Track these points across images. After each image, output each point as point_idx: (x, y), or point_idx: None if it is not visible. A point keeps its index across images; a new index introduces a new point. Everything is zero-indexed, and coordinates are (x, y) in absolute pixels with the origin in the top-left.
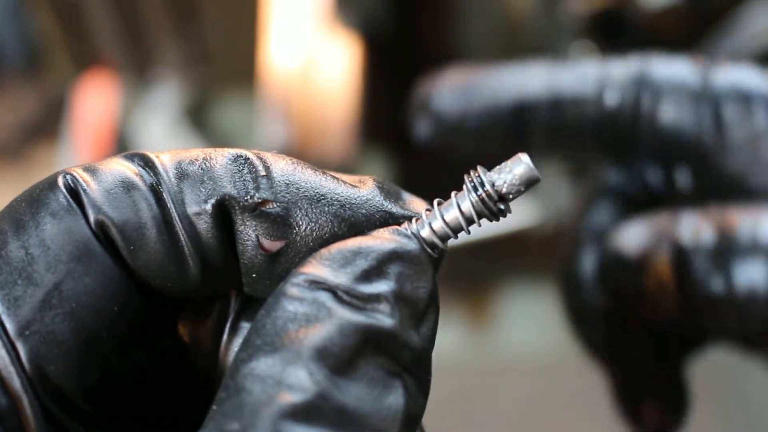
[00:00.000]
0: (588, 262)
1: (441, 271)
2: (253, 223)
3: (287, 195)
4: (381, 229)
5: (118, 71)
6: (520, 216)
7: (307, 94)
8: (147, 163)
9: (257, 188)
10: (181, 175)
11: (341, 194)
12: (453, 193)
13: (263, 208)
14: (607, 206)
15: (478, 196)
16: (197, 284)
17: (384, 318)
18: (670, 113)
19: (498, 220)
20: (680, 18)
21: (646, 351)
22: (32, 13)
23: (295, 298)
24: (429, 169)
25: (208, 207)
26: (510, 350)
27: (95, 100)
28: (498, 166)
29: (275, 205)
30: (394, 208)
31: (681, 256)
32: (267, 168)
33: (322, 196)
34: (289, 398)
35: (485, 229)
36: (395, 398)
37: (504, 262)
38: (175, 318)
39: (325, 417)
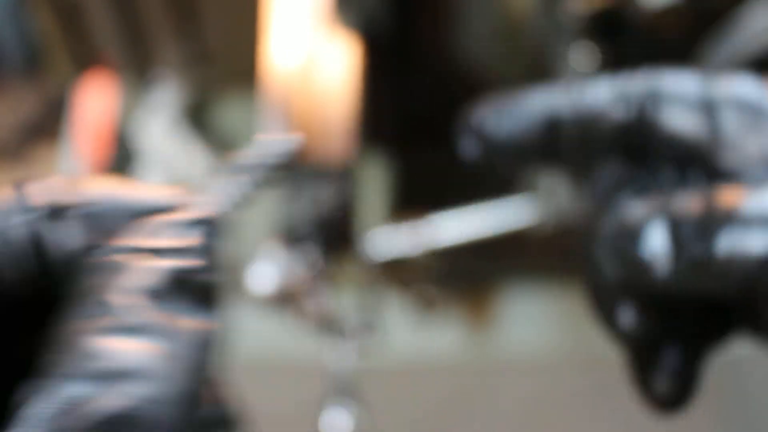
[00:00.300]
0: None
1: (441, 271)
2: (57, 226)
3: (87, 199)
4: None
5: (118, 71)
6: (520, 216)
7: (307, 94)
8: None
9: (60, 194)
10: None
11: (138, 198)
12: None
13: (65, 213)
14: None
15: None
16: (13, 290)
17: (188, 261)
18: (674, 121)
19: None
20: (680, 18)
21: (655, 324)
22: (32, 13)
23: (95, 264)
24: (429, 169)
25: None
26: (510, 350)
27: (95, 100)
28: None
29: (76, 209)
30: (186, 199)
31: (672, 224)
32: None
33: (119, 199)
34: (100, 323)
35: (485, 229)
36: (197, 321)
37: (504, 262)
38: (11, 326)
39: (136, 332)
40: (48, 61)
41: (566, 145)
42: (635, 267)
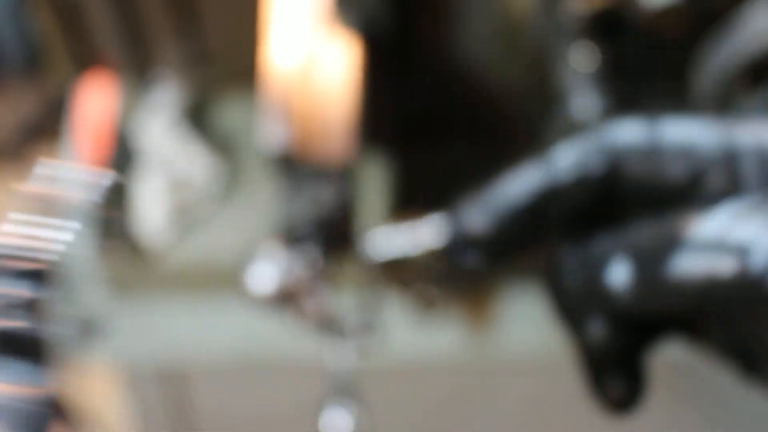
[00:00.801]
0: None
1: (441, 271)
2: None
3: None
4: None
5: (118, 71)
6: None
7: (307, 94)
8: None
9: None
10: None
11: None
12: None
13: None
14: None
15: None
16: None
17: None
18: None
19: None
20: (680, 18)
21: (620, 334)
22: (32, 13)
23: None
24: (429, 169)
25: None
26: (510, 350)
27: (95, 100)
28: None
29: None
30: None
31: (633, 252)
32: None
33: None
34: None
35: None
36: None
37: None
38: None
39: None
40: (48, 61)
41: (558, 218)
42: (600, 292)
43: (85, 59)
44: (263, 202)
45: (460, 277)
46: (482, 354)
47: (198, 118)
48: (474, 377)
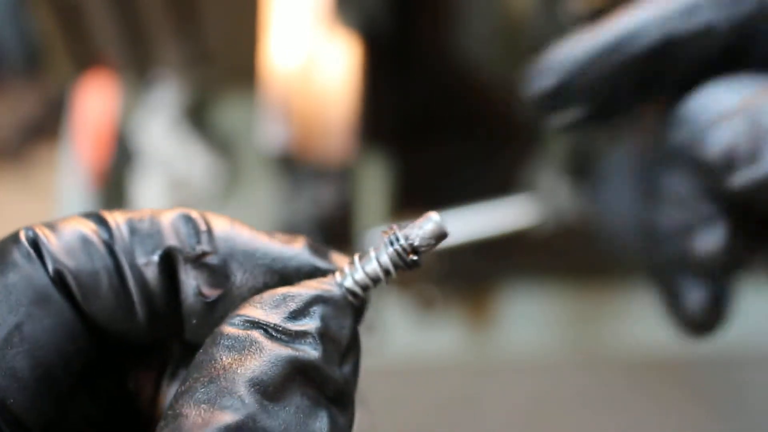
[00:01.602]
0: None
1: (441, 271)
2: (195, 272)
3: (225, 248)
4: (308, 280)
5: (118, 71)
6: (520, 216)
7: (307, 94)
8: (101, 221)
9: (199, 241)
10: (132, 230)
11: (274, 249)
12: (371, 248)
13: (203, 260)
14: None
15: (394, 249)
16: (144, 330)
17: (310, 350)
18: None
19: (412, 269)
20: None
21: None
22: (32, 13)
23: (230, 336)
24: (429, 169)
25: (155, 258)
26: (510, 350)
27: (95, 100)
28: (411, 224)
29: (214, 257)
30: (321, 263)
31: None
32: (208, 224)
33: (256, 249)
34: (223, 418)
35: (485, 229)
36: (320, 425)
37: (504, 262)
38: (121, 365)
39: None
40: (48, 61)
41: (679, 70)
42: (712, 166)
43: (85, 59)
44: (263, 201)
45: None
46: (482, 354)
47: (198, 118)
48: (474, 377)
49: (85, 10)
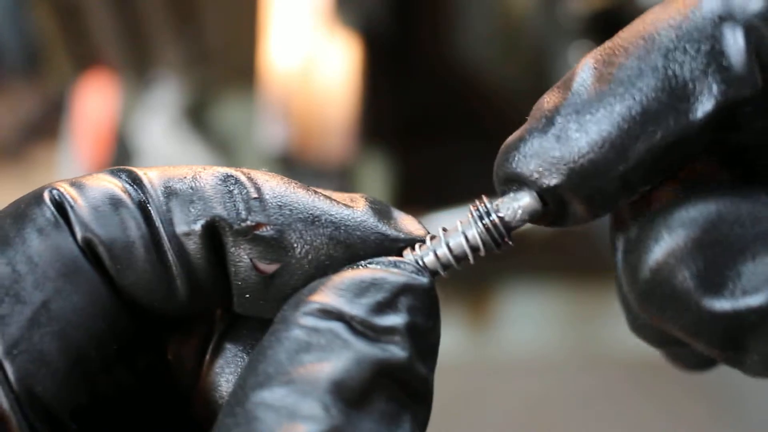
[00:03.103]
0: None
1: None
2: (247, 246)
3: (281, 217)
4: (387, 258)
5: (118, 71)
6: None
7: (307, 94)
8: (134, 180)
9: (249, 211)
10: (170, 193)
11: (335, 215)
12: (458, 221)
13: (257, 232)
14: None
15: (484, 225)
16: (185, 304)
17: (398, 351)
18: None
19: (501, 249)
20: None
21: None
22: (32, 13)
23: (308, 328)
24: (429, 169)
25: (198, 228)
26: (510, 350)
27: (95, 100)
28: (503, 197)
29: (269, 229)
30: (388, 230)
31: None
32: (258, 189)
33: (316, 218)
34: (303, 429)
35: None
36: (404, 430)
37: (504, 262)
38: (159, 335)
39: None
40: (48, 61)
41: None
42: None
43: (85, 59)
44: None
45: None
46: (482, 354)
47: (198, 118)
48: (474, 377)
49: (85, 10)
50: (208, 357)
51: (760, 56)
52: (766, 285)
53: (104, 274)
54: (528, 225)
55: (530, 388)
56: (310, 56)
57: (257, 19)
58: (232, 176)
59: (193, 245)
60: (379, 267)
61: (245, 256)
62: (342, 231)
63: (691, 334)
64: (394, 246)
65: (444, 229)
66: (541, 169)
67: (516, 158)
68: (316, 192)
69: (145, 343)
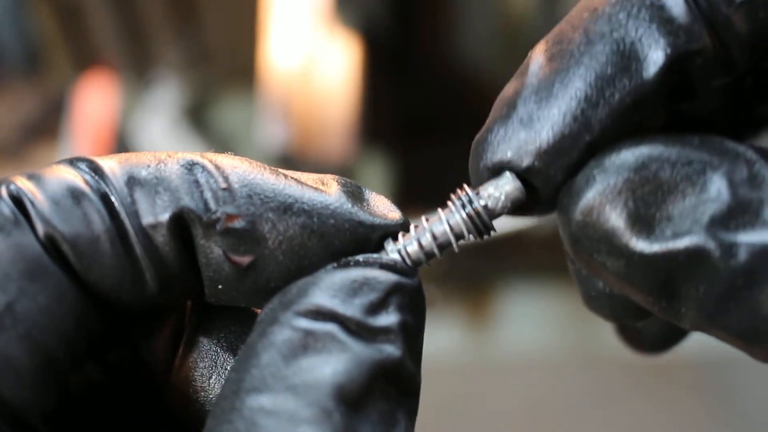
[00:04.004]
0: None
1: (441, 270)
2: (218, 238)
3: (251, 208)
4: (372, 255)
5: (118, 71)
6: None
7: (307, 94)
8: (95, 170)
9: (218, 202)
10: (133, 183)
11: (307, 203)
12: (439, 210)
13: (228, 224)
14: None
15: (467, 213)
16: (155, 297)
17: (393, 351)
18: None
19: (483, 237)
20: None
21: None
22: (32, 13)
23: (302, 330)
24: (429, 169)
25: (165, 219)
26: (510, 350)
27: (95, 100)
28: (485, 184)
29: (240, 221)
30: (363, 216)
31: None
32: (226, 178)
33: (288, 206)
34: None
35: None
36: (399, 427)
37: (504, 262)
38: (130, 330)
39: None
40: (48, 61)
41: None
42: None
43: (85, 59)
44: None
45: (460, 277)
46: (482, 354)
47: (198, 118)
48: (474, 377)
49: (85, 10)
50: (180, 351)
51: (704, 13)
52: (696, 226)
53: (69, 272)
54: (529, 226)
55: (530, 388)
56: (310, 56)
57: (257, 19)
58: (198, 163)
59: (160, 237)
60: (368, 265)
61: (216, 249)
62: (315, 220)
63: (623, 278)
64: (369, 233)
65: (426, 219)
66: (510, 153)
67: (486, 149)
68: (286, 176)
69: (115, 339)
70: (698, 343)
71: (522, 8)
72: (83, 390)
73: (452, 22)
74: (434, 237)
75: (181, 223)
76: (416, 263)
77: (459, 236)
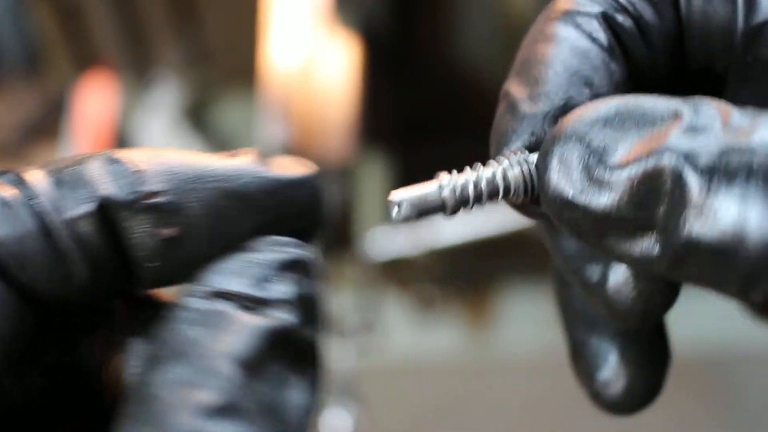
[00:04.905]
0: None
1: (441, 270)
2: (141, 217)
3: (167, 184)
4: (273, 237)
5: (118, 71)
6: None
7: (307, 94)
8: (18, 179)
9: (134, 184)
10: (56, 183)
11: (219, 168)
12: (493, 161)
13: (147, 201)
14: None
15: (523, 171)
16: (87, 290)
17: (286, 317)
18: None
19: (524, 203)
20: None
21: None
22: (32, 13)
23: (198, 310)
24: (429, 169)
25: (87, 209)
26: (510, 350)
27: (95, 100)
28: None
29: (160, 197)
30: (272, 172)
31: None
32: (140, 164)
33: (202, 175)
34: (202, 397)
35: (485, 228)
36: (301, 393)
37: (504, 262)
38: (67, 332)
39: (240, 414)
40: (48, 61)
41: None
42: None
43: (85, 59)
44: None
45: (460, 277)
46: (482, 354)
47: (198, 118)
48: (474, 377)
49: (85, 10)
50: (112, 351)
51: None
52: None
53: (1, 273)
54: (528, 226)
55: (530, 388)
56: (310, 56)
57: (257, 19)
58: (112, 157)
59: (86, 227)
60: (263, 246)
61: (142, 227)
62: (229, 181)
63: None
64: (281, 186)
65: (478, 166)
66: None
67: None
68: (194, 153)
69: (52, 341)
70: (698, 343)
71: (522, 8)
72: (22, 397)
73: (452, 22)
74: (488, 183)
75: (104, 212)
76: (462, 203)
77: (507, 190)
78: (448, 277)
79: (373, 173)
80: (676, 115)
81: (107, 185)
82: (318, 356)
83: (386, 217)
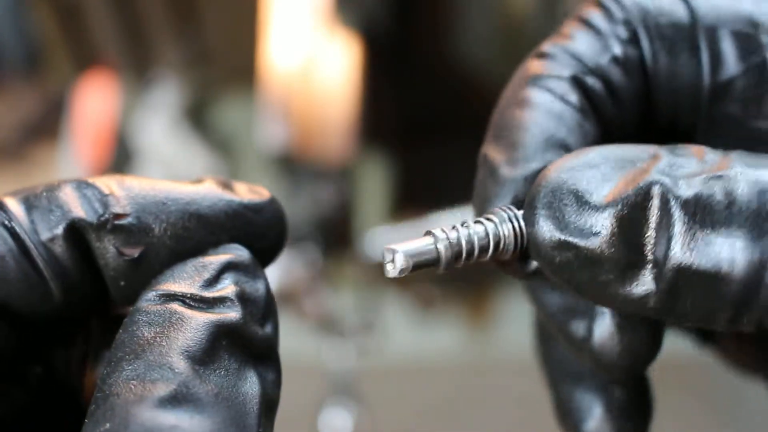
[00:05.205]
0: None
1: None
2: (110, 237)
3: (135, 205)
4: (225, 246)
5: (118, 71)
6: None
7: (307, 94)
8: None
9: (105, 206)
10: (30, 207)
11: (183, 193)
12: (485, 218)
13: (116, 222)
14: None
15: (514, 228)
16: (61, 306)
17: (230, 313)
18: (663, 58)
19: (511, 258)
20: None
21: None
22: (32, 13)
23: (148, 312)
24: (429, 169)
25: (60, 231)
26: (510, 350)
27: (95, 100)
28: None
29: (127, 218)
30: (231, 195)
31: None
32: (109, 187)
33: (166, 199)
34: (156, 391)
35: None
36: (251, 384)
37: None
38: (45, 349)
39: (192, 402)
40: (48, 61)
41: None
42: None
43: (85, 59)
44: None
45: (460, 277)
46: (482, 354)
47: (198, 118)
48: (473, 377)
49: (85, 10)
50: (88, 366)
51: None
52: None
53: None
54: None
55: (529, 388)
56: (310, 56)
57: (257, 19)
58: (84, 182)
59: (59, 248)
60: (210, 252)
61: (110, 247)
62: (192, 205)
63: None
64: (242, 210)
65: (465, 223)
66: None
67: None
68: (161, 180)
69: (32, 356)
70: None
71: (522, 8)
72: (5, 410)
73: (452, 22)
74: (479, 239)
75: (75, 233)
76: (456, 257)
77: (497, 245)
78: (448, 277)
79: (373, 173)
80: (655, 156)
81: (78, 208)
82: (271, 349)
83: (382, 271)
